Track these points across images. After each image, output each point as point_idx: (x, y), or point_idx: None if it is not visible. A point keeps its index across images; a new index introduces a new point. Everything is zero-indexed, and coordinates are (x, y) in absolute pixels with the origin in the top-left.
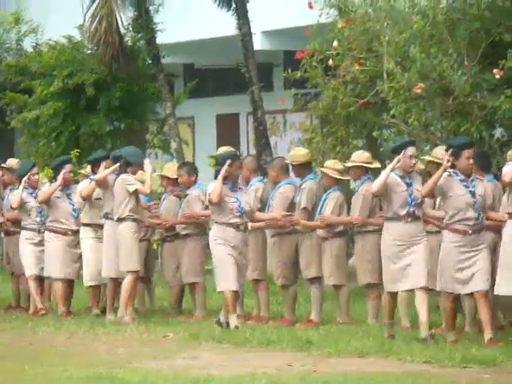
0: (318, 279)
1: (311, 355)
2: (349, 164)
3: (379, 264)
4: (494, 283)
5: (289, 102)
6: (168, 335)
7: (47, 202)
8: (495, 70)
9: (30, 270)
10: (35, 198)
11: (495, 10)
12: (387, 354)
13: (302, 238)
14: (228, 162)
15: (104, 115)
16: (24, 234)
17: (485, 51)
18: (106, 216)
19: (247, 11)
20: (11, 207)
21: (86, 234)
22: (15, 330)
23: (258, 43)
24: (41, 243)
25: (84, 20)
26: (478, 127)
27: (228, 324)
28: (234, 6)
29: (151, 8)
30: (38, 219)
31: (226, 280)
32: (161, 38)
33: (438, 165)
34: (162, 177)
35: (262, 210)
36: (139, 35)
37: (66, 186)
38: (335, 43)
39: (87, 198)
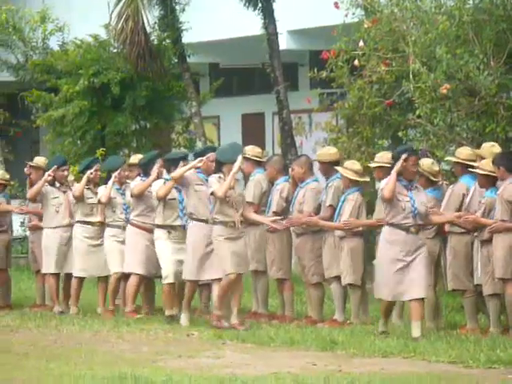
0: (339, 278)
1: (335, 355)
2: (373, 164)
3: None
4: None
5: (314, 101)
6: (192, 334)
7: (141, 196)
8: None
9: (115, 267)
10: (122, 194)
11: None
12: (412, 354)
13: (326, 236)
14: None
15: (129, 114)
16: (108, 231)
17: (511, 52)
18: (191, 216)
19: (273, 11)
20: (99, 201)
21: (159, 235)
22: (40, 328)
23: (284, 43)
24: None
25: (110, 19)
26: (504, 128)
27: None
28: (259, 5)
29: (177, 7)
30: (123, 216)
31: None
32: (186, 37)
33: (464, 165)
34: None
35: (286, 209)
36: (165, 34)
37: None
38: (361, 43)
39: (162, 199)
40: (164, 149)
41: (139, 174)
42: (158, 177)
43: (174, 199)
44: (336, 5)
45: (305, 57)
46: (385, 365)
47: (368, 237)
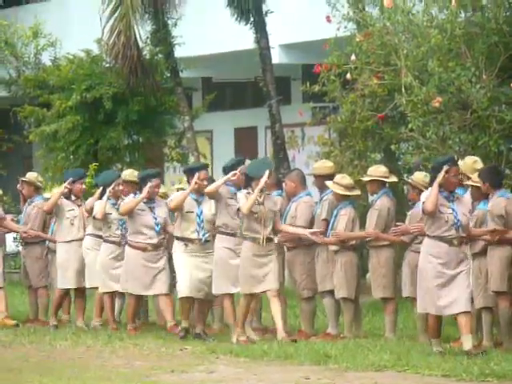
0: (333, 292)
1: (329, 369)
2: (365, 178)
3: (394, 278)
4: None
5: (307, 115)
6: (186, 348)
7: (129, 214)
8: None
9: (105, 286)
10: (118, 209)
11: None
12: (405, 367)
13: (319, 250)
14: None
15: (122, 129)
16: (104, 246)
17: (503, 65)
18: (220, 229)
19: (265, 25)
20: (94, 217)
21: (177, 248)
22: (33, 343)
23: (276, 57)
24: (120, 256)
25: (102, 34)
26: (497, 141)
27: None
28: (252, 19)
29: (169, 22)
30: (119, 232)
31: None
32: (179, 52)
33: None
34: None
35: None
36: (157, 49)
37: (151, 199)
38: (353, 57)
39: (176, 210)
40: (156, 163)
41: (135, 192)
42: (149, 197)
43: (192, 212)
44: (328, 19)
45: (297, 71)
46: (378, 379)
47: (361, 251)
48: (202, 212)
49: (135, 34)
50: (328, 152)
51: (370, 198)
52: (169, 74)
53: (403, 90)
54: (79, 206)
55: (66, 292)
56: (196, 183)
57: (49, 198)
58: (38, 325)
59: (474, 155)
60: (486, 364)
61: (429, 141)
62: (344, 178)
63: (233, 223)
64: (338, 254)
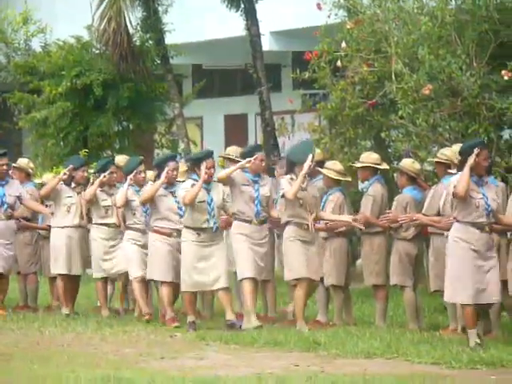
0: (322, 279)
1: (318, 356)
2: (358, 164)
3: (386, 265)
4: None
5: (297, 102)
6: (175, 335)
7: (150, 202)
8: (503, 72)
9: (135, 271)
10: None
11: (504, 11)
12: (394, 355)
13: None
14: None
15: (112, 115)
16: (128, 234)
17: (493, 52)
18: (235, 216)
19: (256, 12)
20: (115, 206)
21: (187, 237)
22: (22, 329)
23: (267, 44)
24: (146, 245)
25: (93, 20)
26: (487, 128)
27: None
28: (242, 6)
29: (160, 8)
30: (143, 219)
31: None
32: (169, 39)
33: (446, 166)
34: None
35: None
36: (148, 35)
37: (171, 184)
38: (343, 44)
39: (190, 205)
40: (146, 150)
41: (157, 175)
42: (169, 181)
43: (204, 201)
44: (318, 6)
45: (287, 58)
46: (368, 366)
47: (351, 238)
48: (212, 200)
49: (125, 21)
50: (318, 139)
51: (360, 186)
52: (159, 61)
53: (393, 77)
54: (78, 193)
55: (68, 278)
56: (206, 173)
57: (41, 184)
58: (28, 311)
59: (463, 143)
60: (475, 351)
61: (419, 128)
62: (335, 164)
63: (248, 210)
64: (328, 241)
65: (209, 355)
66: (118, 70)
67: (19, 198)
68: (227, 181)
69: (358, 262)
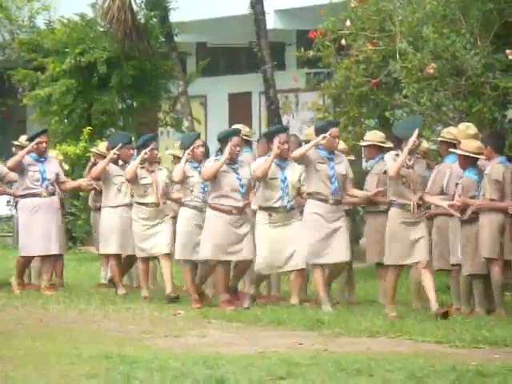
0: None
1: (322, 334)
2: (363, 143)
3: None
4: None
5: (301, 81)
6: (179, 313)
7: (212, 179)
8: (508, 51)
9: (182, 254)
10: (200, 172)
11: None
12: (398, 333)
13: None
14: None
15: (116, 93)
16: (184, 211)
17: (498, 31)
18: (310, 195)
19: None
20: (172, 181)
21: (260, 219)
22: (26, 307)
23: (271, 22)
24: (201, 225)
25: None
26: (491, 108)
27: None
28: None
29: None
30: (201, 195)
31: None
32: (174, 16)
33: (449, 145)
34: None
35: None
36: (152, 13)
37: (233, 159)
38: (348, 23)
39: (262, 179)
40: (150, 128)
41: (220, 150)
42: (231, 157)
43: (276, 178)
44: None
45: (292, 36)
46: (371, 344)
47: (354, 217)
48: (285, 178)
49: None
50: (322, 118)
51: (364, 164)
52: (163, 39)
53: (398, 56)
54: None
55: (118, 257)
56: (278, 147)
57: None
58: (31, 288)
59: (468, 122)
60: (478, 330)
61: (423, 107)
62: (339, 143)
63: (324, 189)
64: None
65: (211, 333)
66: (122, 48)
67: (57, 175)
68: (302, 159)
69: (362, 240)
